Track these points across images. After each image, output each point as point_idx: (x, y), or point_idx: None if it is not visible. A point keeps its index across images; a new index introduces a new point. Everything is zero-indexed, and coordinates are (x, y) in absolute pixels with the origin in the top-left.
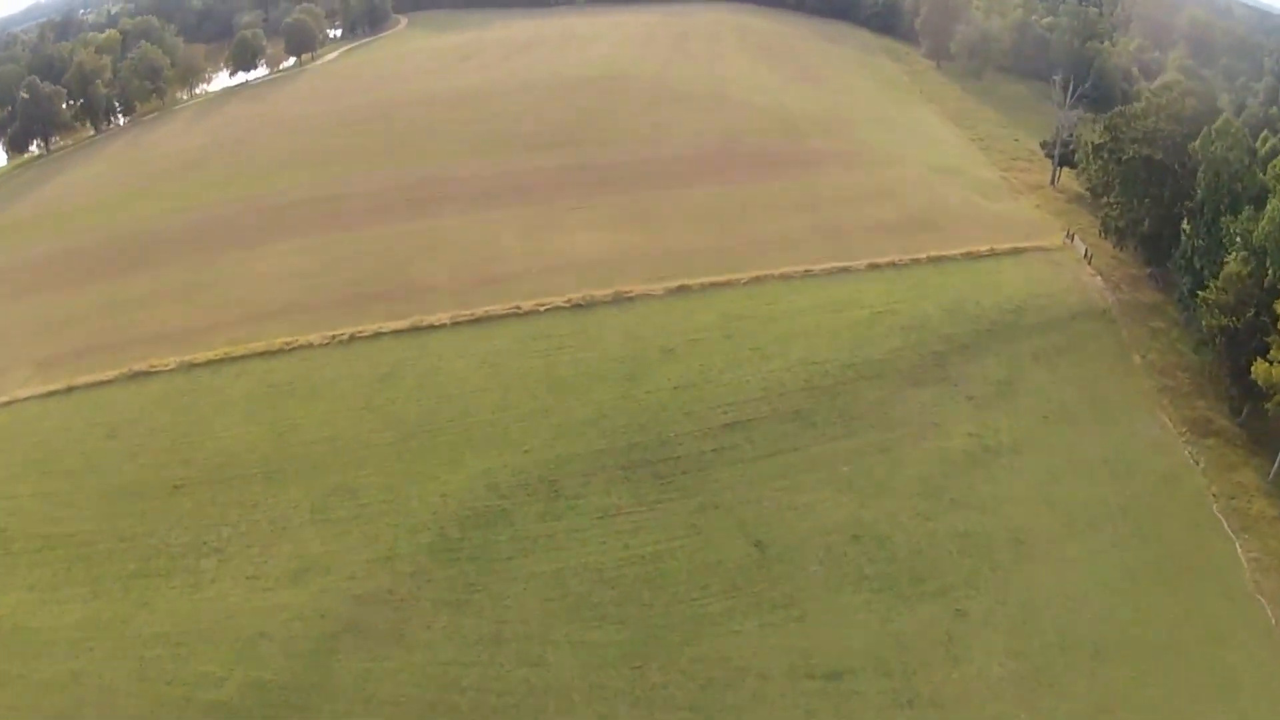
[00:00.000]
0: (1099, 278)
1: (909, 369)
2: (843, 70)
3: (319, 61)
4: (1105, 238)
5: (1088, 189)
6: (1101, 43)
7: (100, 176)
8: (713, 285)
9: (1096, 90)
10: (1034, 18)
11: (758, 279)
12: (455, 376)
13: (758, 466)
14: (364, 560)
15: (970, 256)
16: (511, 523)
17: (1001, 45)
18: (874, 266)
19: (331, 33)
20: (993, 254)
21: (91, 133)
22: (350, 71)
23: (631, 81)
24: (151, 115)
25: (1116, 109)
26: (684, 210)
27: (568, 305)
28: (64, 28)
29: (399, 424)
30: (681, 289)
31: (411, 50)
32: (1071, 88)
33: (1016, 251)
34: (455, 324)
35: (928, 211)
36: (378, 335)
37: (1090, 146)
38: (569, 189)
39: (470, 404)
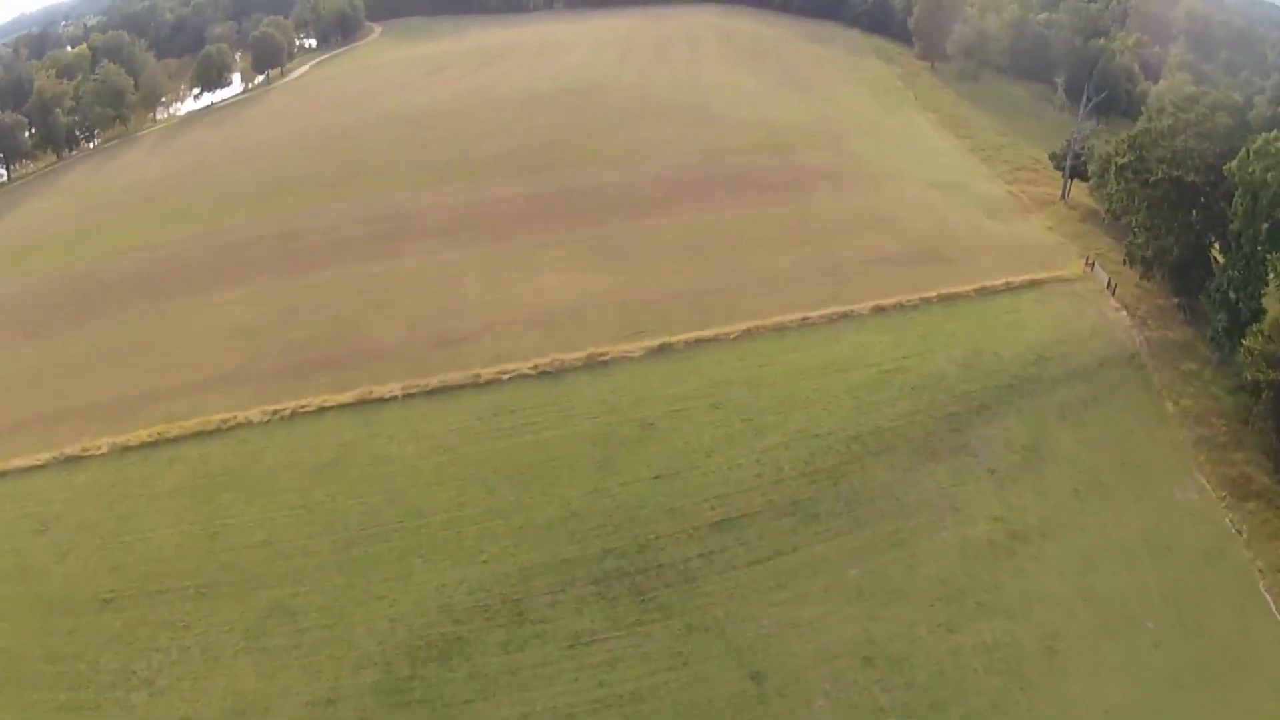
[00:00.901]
0: (1124, 312)
1: (923, 439)
2: (832, 75)
3: (288, 77)
4: (1130, 267)
5: (1107, 210)
6: (1104, 40)
7: (54, 211)
8: (698, 342)
9: (1100, 92)
10: (1031, 15)
11: (748, 333)
12: (405, 465)
13: (752, 574)
14: (303, 702)
15: (984, 293)
16: (469, 655)
17: (999, 45)
18: (879, 310)
19: (309, 42)
20: (1008, 288)
21: (54, 159)
22: (318, 88)
23: (608, 94)
24: (116, 141)
25: (1142, 126)
26: (663, 244)
27: (533, 372)
28: (40, 42)
29: (341, 526)
30: (663, 349)
31: (382, 63)
32: (1086, 96)
33: (1034, 284)
34: (407, 396)
35: (933, 238)
36: (322, 411)
37: (1114, 167)
38: (538, 221)
39: (421, 501)
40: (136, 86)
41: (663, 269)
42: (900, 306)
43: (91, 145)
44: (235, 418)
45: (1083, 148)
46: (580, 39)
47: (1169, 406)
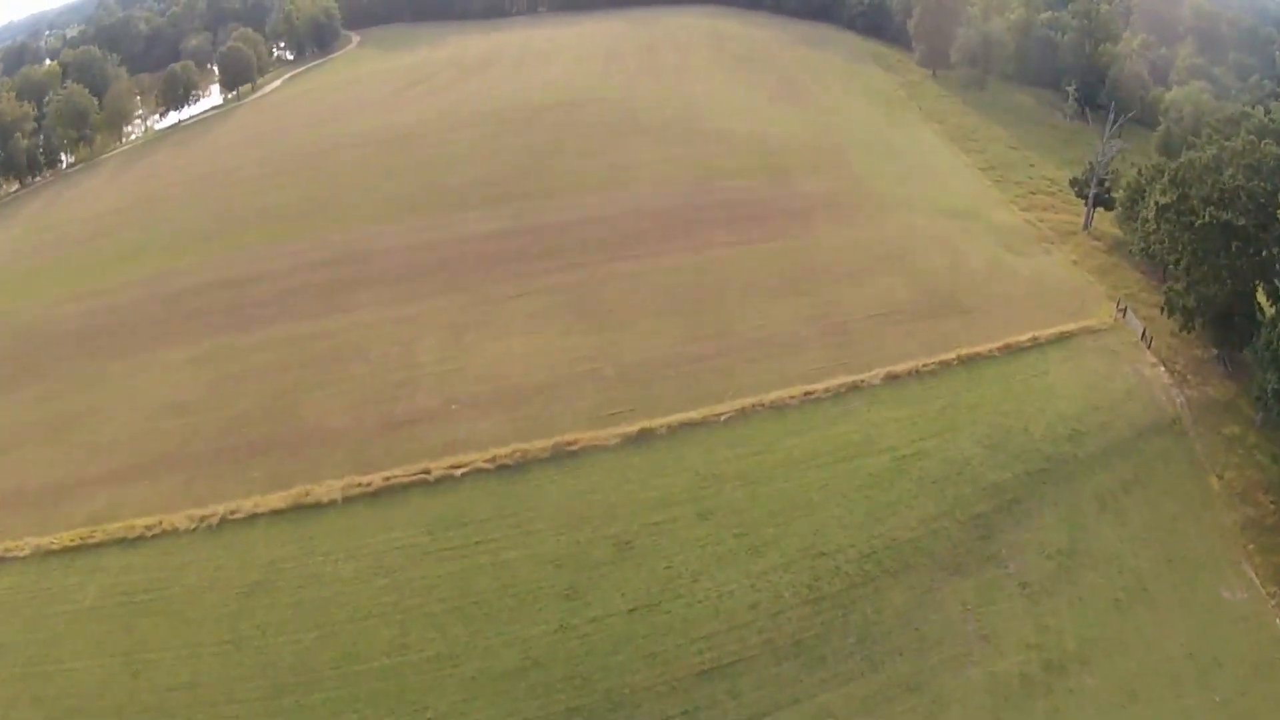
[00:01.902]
0: (1161, 368)
1: (947, 550)
2: (829, 83)
3: (260, 92)
4: (1168, 316)
5: (1141, 250)
6: (1116, 45)
7: (5, 248)
8: (683, 426)
9: (1126, 112)
10: (1037, 16)
11: (742, 413)
12: (343, 591)
13: None
14: None
15: (1009, 351)
16: None
17: (1005, 51)
18: (891, 379)
19: (288, 54)
20: (1035, 344)
21: (16, 186)
22: (286, 106)
23: (590, 109)
24: (80, 165)
25: (1185, 159)
26: (646, 294)
27: (491, 467)
28: (19, 54)
29: (271, 669)
30: (642, 436)
31: (355, 77)
32: (1111, 116)
33: (1063, 338)
34: (348, 500)
35: (949, 281)
36: (253, 517)
37: (1154, 207)
38: (507, 264)
39: (360, 641)
40: (101, 106)
41: (644, 326)
42: (916, 373)
43: (64, 165)
44: (160, 524)
45: (1107, 172)
46: (563, 47)
47: (1213, 483)
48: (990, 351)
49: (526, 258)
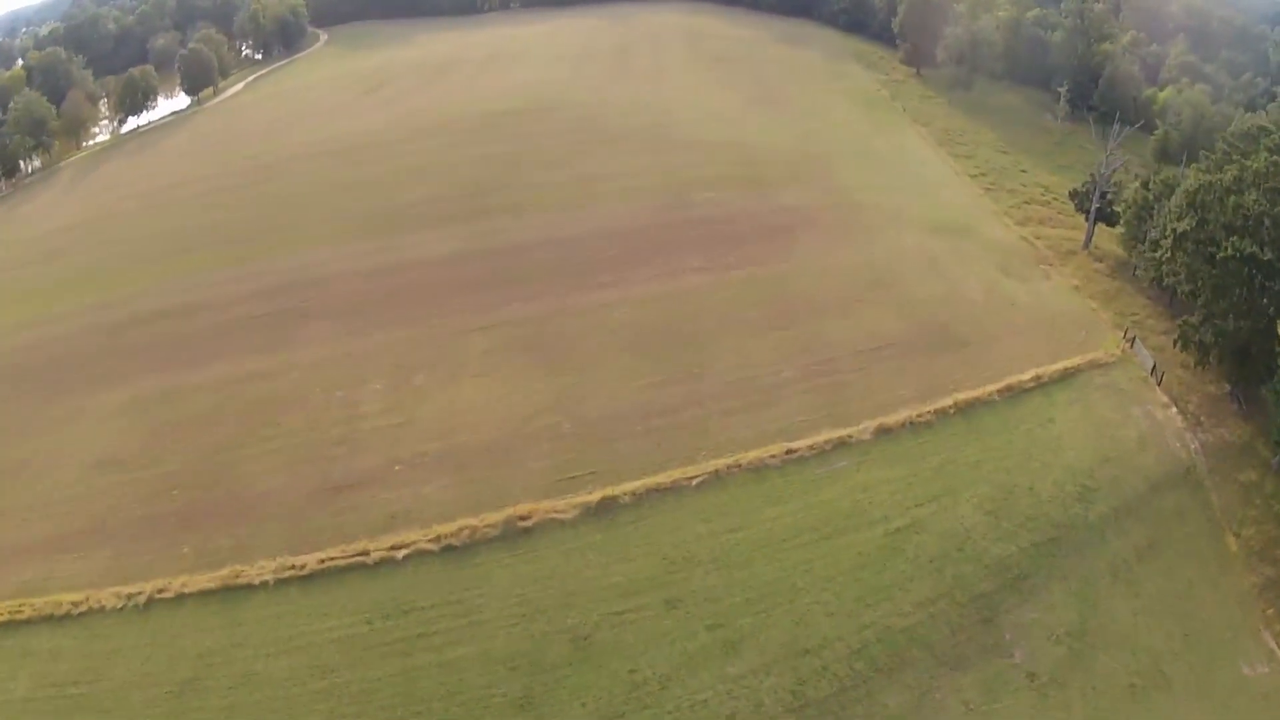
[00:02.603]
0: (1174, 408)
1: (946, 640)
2: (810, 84)
3: (222, 96)
4: (1182, 350)
5: (1153, 278)
6: (1111, 44)
7: None
8: (650, 493)
9: (1105, 102)
10: (1026, 14)
11: (717, 476)
12: (276, 693)
13: None
14: None
15: (1011, 394)
16: None
17: (993, 50)
18: (883, 432)
19: (257, 54)
20: (1039, 385)
21: None
22: (245, 112)
23: (559, 116)
24: (38, 175)
25: (1203, 181)
26: (612, 330)
27: (436, 548)
28: None
29: None
30: (604, 506)
31: (319, 79)
32: (1117, 127)
33: (1068, 375)
34: (281, 582)
35: (943, 311)
36: (181, 598)
37: (1171, 235)
38: (464, 293)
39: None
40: (59, 113)
41: (608, 369)
42: (910, 425)
43: (25, 173)
44: (88, 600)
45: (1109, 185)
46: (533, 46)
47: (1231, 542)
48: (990, 395)
49: (483, 286)
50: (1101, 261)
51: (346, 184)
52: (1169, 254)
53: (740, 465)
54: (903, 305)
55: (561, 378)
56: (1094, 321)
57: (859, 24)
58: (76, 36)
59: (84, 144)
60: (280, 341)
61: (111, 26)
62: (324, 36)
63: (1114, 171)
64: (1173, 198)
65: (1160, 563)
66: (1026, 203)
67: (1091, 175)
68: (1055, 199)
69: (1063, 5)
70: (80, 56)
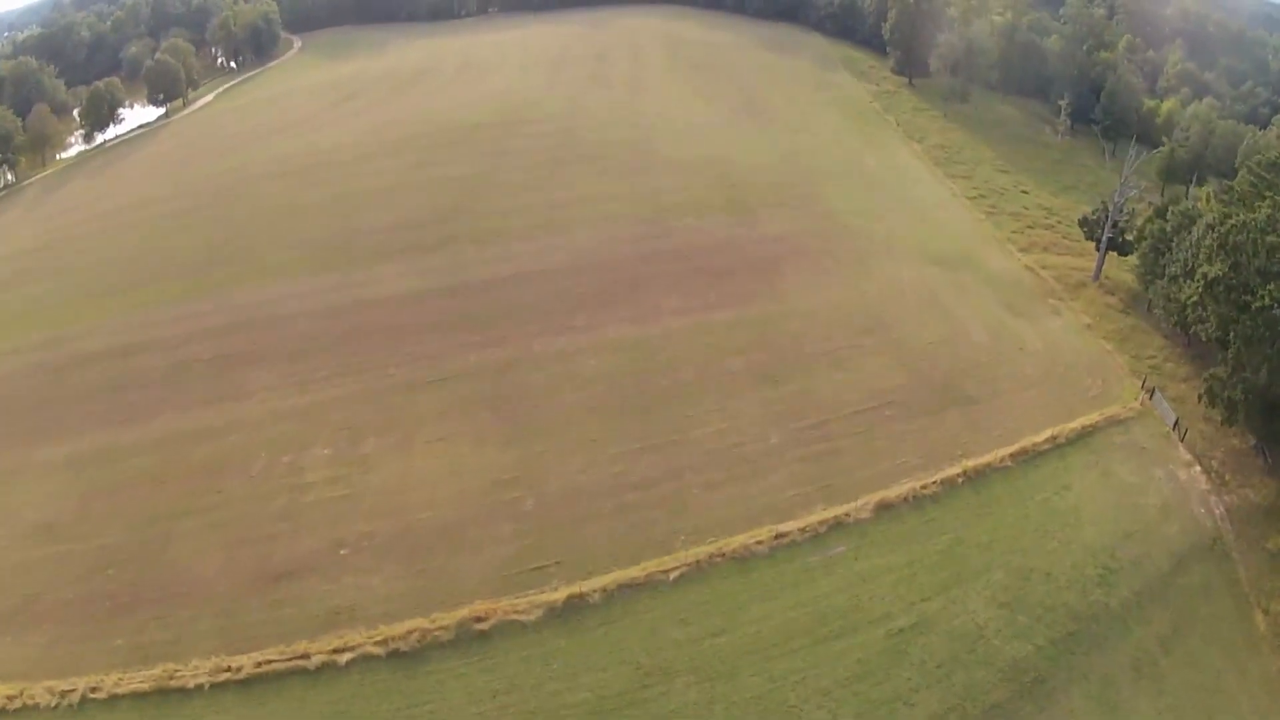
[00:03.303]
0: (1197, 466)
1: None
2: (797, 95)
3: (191, 107)
4: (1210, 407)
5: (1175, 322)
6: (1112, 53)
7: None
8: (622, 589)
9: (1108, 115)
10: (1023, 21)
11: (698, 567)
12: None
13: None
14: None
15: (1024, 457)
16: None
17: (988, 59)
18: (884, 509)
19: (232, 63)
20: (1054, 447)
21: None
22: (210, 126)
23: (531, 130)
24: (3, 191)
25: (1236, 221)
26: (579, 384)
27: (383, 653)
28: None
29: None
30: (570, 605)
31: (288, 90)
32: (1133, 152)
33: (1086, 434)
34: (216, 686)
35: (947, 358)
36: (115, 698)
37: (1202, 281)
38: (419, 339)
39: None
40: (24, 129)
41: (576, 432)
42: (914, 499)
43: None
44: (23, 695)
45: (1123, 213)
46: (508, 53)
47: (1259, 620)
48: (1002, 460)
49: (443, 328)
50: (1113, 295)
51: (307, 207)
52: (1196, 298)
53: (724, 553)
54: (902, 353)
55: (524, 444)
56: (1110, 368)
57: (847, 29)
58: (50, 45)
59: (55, 158)
60: (227, 391)
61: (85, 34)
62: (298, 43)
63: (1127, 199)
64: (1195, 231)
65: (1185, 651)
66: (1030, 227)
67: (1103, 202)
68: (1060, 223)
69: (1061, 11)
70: (52, 66)
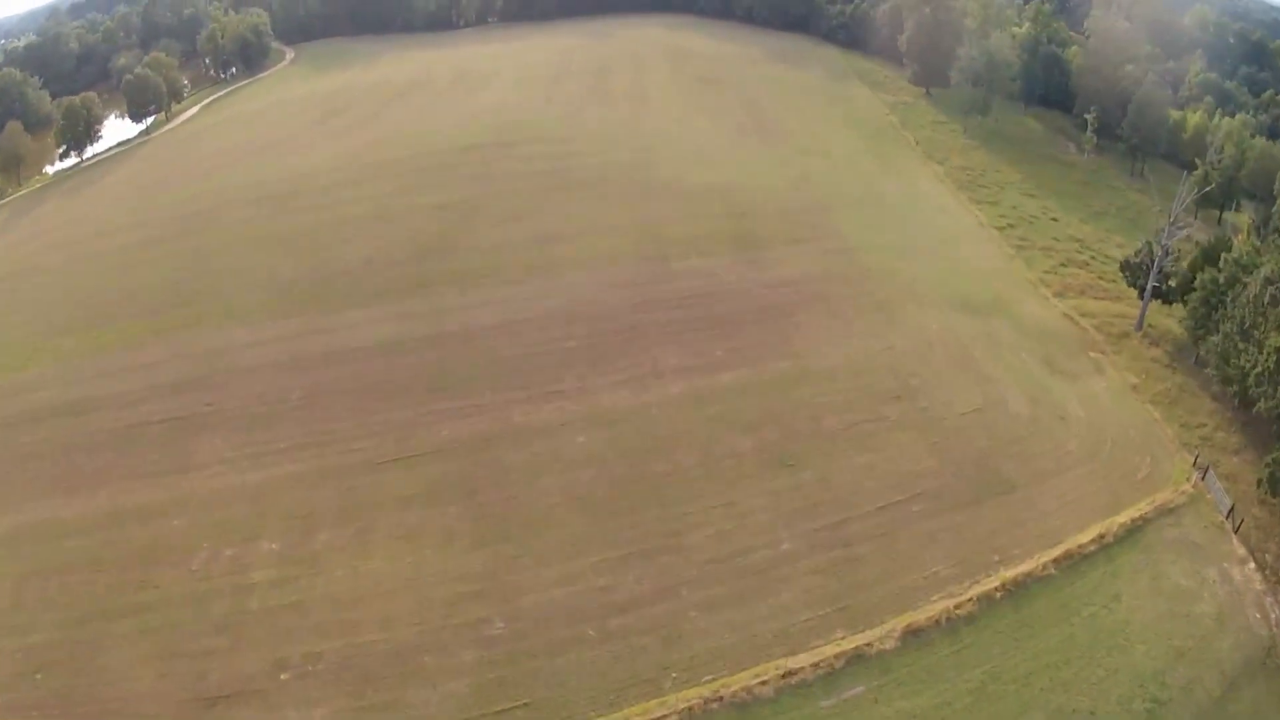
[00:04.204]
0: (1251, 563)
1: None
2: (809, 111)
3: (173, 123)
4: (1272, 495)
5: (1234, 393)
6: (1135, 66)
7: None
8: None
9: (1135, 131)
10: (1045, 32)
11: (690, 715)
12: None
13: None
14: None
15: (1068, 566)
16: None
17: (1010, 70)
18: (911, 635)
19: (223, 74)
20: (1101, 548)
21: None
22: (192, 144)
23: (524, 152)
24: None
25: None
26: (563, 468)
27: None
28: None
29: None
30: None
31: (275, 103)
32: (1187, 183)
33: (1134, 529)
34: None
35: (982, 437)
36: None
37: (1272, 359)
38: (387, 403)
39: None
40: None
41: (557, 533)
42: (946, 623)
43: None
44: None
45: (1168, 254)
46: (505, 65)
47: None
48: (1045, 568)
49: (415, 391)
50: (1158, 346)
51: (279, 239)
52: (1268, 371)
53: (722, 697)
54: (932, 427)
55: (497, 545)
56: (1158, 440)
57: (859, 40)
58: (39, 55)
59: (34, 177)
60: (177, 461)
61: (74, 45)
62: (290, 54)
63: (1175, 239)
64: (1252, 285)
65: None
66: (1063, 265)
67: (1147, 243)
68: (1094, 259)
69: (1085, 24)
70: (36, 79)
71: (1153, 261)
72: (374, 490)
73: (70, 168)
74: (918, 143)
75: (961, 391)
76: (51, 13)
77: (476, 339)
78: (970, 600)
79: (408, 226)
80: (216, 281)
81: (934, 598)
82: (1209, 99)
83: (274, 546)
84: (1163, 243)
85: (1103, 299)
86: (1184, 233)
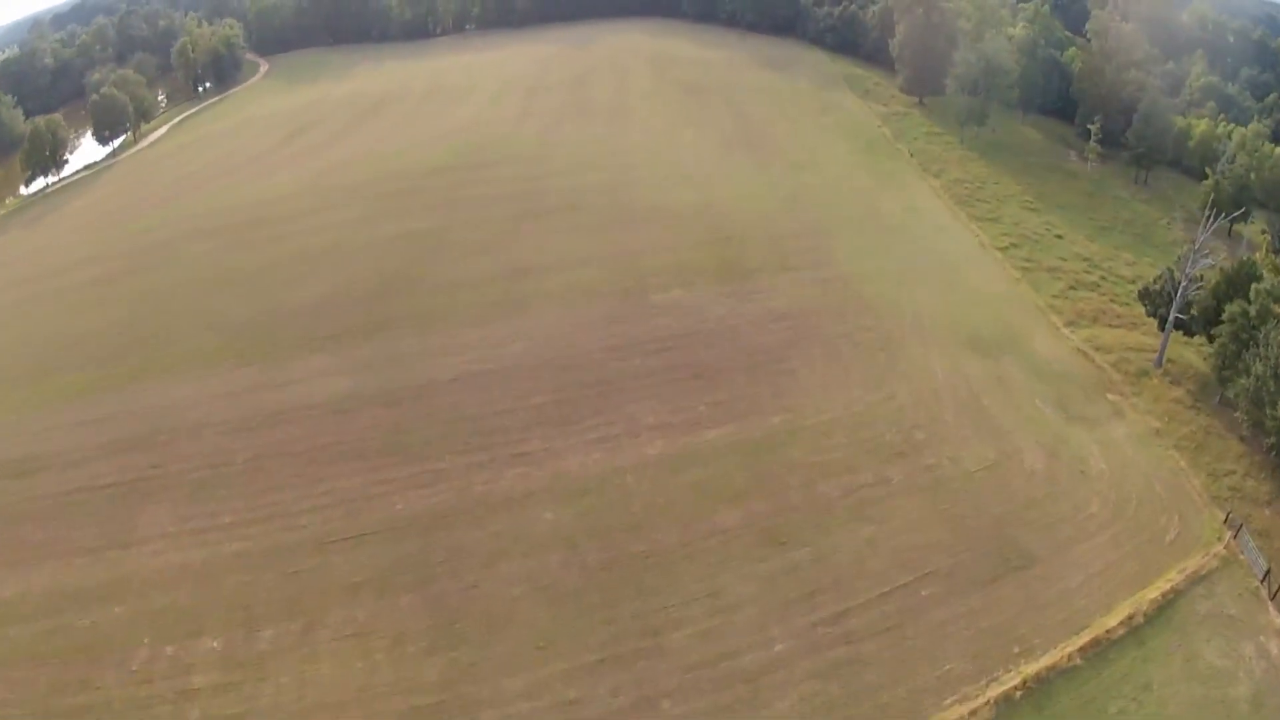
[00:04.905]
0: None
1: None
2: (798, 121)
3: (142, 143)
4: None
5: (1271, 445)
6: (1139, 70)
7: None
8: None
9: (1142, 140)
10: (1044, 36)
11: None
12: None
13: None
14: None
15: (1096, 649)
16: None
17: (1008, 77)
18: None
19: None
20: (1130, 630)
21: None
22: (156, 169)
23: (496, 174)
24: None
25: None
26: (528, 548)
27: None
28: None
29: None
30: None
31: (242, 122)
32: (1209, 214)
33: (1165, 607)
34: None
35: (996, 500)
36: None
37: None
38: (337, 469)
39: None
40: None
41: (520, 633)
42: None
43: None
44: None
45: (1193, 287)
46: (482, 77)
47: None
48: (1070, 658)
49: (367, 455)
50: (1179, 384)
51: (233, 276)
52: None
53: None
54: (940, 490)
55: (453, 648)
56: (1186, 494)
57: (849, 44)
58: (14, 71)
59: (4, 200)
60: (118, 534)
61: (49, 60)
62: (264, 67)
63: (1200, 270)
64: None
65: None
66: (1072, 288)
67: (1169, 270)
68: (1104, 279)
69: (1089, 25)
70: (10, 97)
71: (1174, 290)
72: (321, 576)
73: (37, 193)
74: (912, 155)
75: (972, 445)
76: (34, 25)
77: (435, 394)
78: (988, 704)
79: (368, 260)
80: (167, 324)
81: (947, 701)
82: (1211, 104)
83: (216, 645)
84: (1186, 272)
85: (1117, 326)
86: (1208, 262)
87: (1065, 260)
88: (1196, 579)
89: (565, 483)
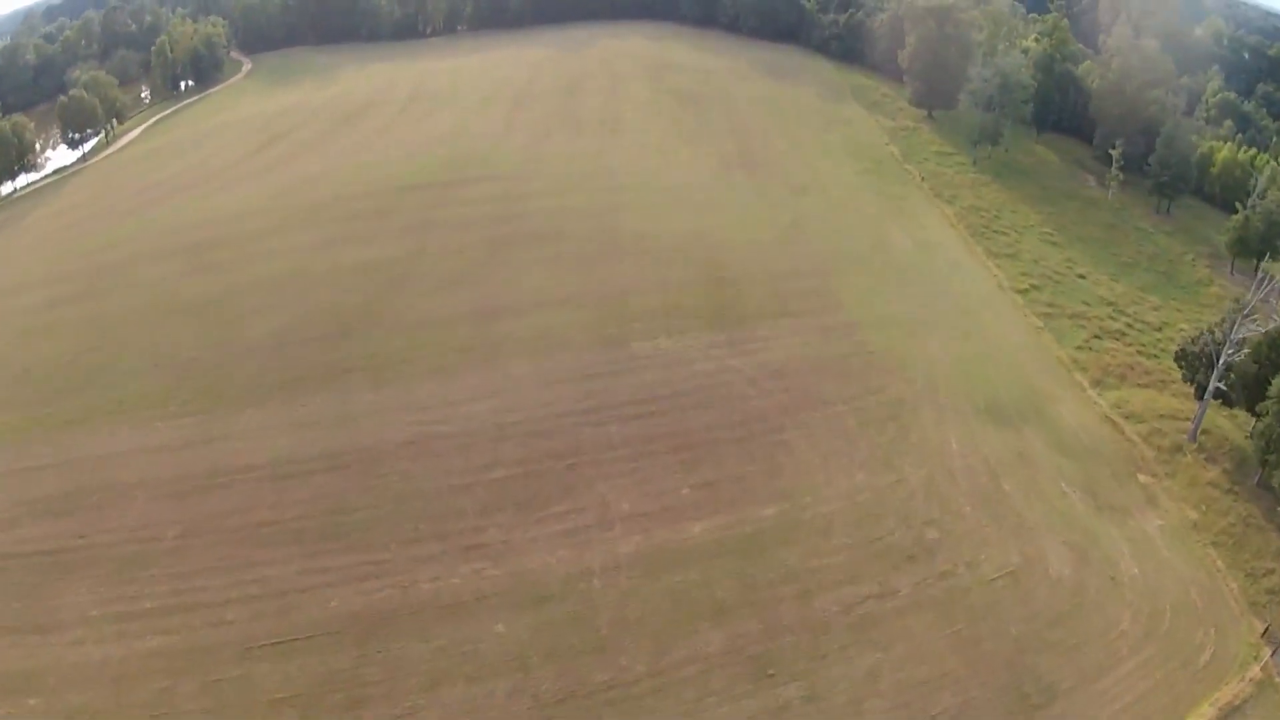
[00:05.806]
0: None
1: None
2: (801, 135)
3: (114, 146)
4: None
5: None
6: (1161, 90)
7: None
8: None
9: (1165, 167)
10: (1060, 50)
11: None
12: None
13: None
14: None
15: None
16: None
17: (1023, 93)
18: None
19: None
20: None
21: None
22: (120, 178)
23: (473, 194)
24: None
25: None
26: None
27: None
28: None
29: None
30: None
31: (216, 127)
32: (1261, 275)
33: None
34: None
35: (1019, 618)
36: None
37: None
38: (271, 553)
39: None
40: None
41: None
42: None
43: None
44: None
45: (1235, 350)
46: (467, 82)
47: None
48: None
49: (305, 538)
50: (1216, 462)
51: (189, 304)
52: None
53: None
54: (954, 605)
55: None
56: (1222, 599)
57: (855, 53)
58: None
59: None
60: (38, 616)
61: (31, 57)
62: (247, 66)
63: (1249, 337)
64: None
65: None
66: (1097, 337)
67: (1209, 331)
68: (1131, 325)
69: (1100, 40)
70: None
71: (1216, 355)
72: (243, 688)
73: (4, 198)
74: (923, 178)
75: (992, 546)
76: (26, 17)
77: (385, 459)
78: None
79: (327, 292)
80: (112, 358)
81: None
82: (1229, 122)
83: None
84: (1231, 337)
85: (1147, 386)
86: (1257, 328)
87: (1089, 306)
88: (1232, 710)
89: (524, 585)
